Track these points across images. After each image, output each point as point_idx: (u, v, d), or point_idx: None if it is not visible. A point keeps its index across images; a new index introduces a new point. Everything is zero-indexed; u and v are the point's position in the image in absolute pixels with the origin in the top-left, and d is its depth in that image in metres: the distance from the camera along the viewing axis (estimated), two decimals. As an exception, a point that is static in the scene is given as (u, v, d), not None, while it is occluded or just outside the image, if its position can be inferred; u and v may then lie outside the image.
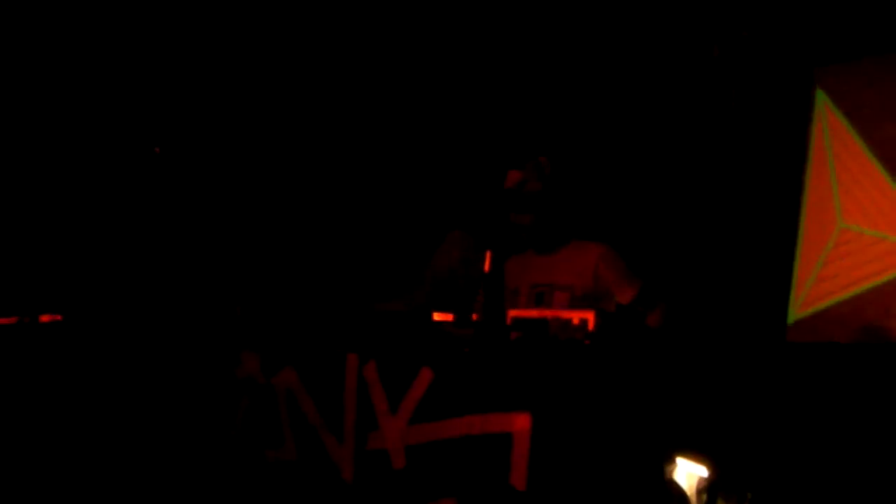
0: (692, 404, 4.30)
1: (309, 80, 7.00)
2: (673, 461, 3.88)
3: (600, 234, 5.03)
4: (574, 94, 7.01)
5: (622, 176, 6.71)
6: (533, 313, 3.99)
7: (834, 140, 6.63)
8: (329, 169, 6.94)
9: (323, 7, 6.93)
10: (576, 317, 3.89)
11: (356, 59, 7.06)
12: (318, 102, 7.01)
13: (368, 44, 7.04)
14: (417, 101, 7.11)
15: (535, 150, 5.02)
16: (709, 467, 3.95)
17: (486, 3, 6.95)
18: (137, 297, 5.90)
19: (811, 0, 6.51)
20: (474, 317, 4.05)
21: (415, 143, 6.98)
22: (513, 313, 4.00)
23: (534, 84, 7.06)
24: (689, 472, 3.93)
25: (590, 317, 3.87)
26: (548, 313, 3.94)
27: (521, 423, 3.70)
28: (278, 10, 6.87)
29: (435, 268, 5.23)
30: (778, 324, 6.49)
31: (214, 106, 6.71)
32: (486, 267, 4.07)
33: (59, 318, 5.00)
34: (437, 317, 4.19)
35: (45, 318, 5.01)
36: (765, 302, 6.49)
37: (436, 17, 6.97)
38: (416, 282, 5.26)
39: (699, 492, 3.94)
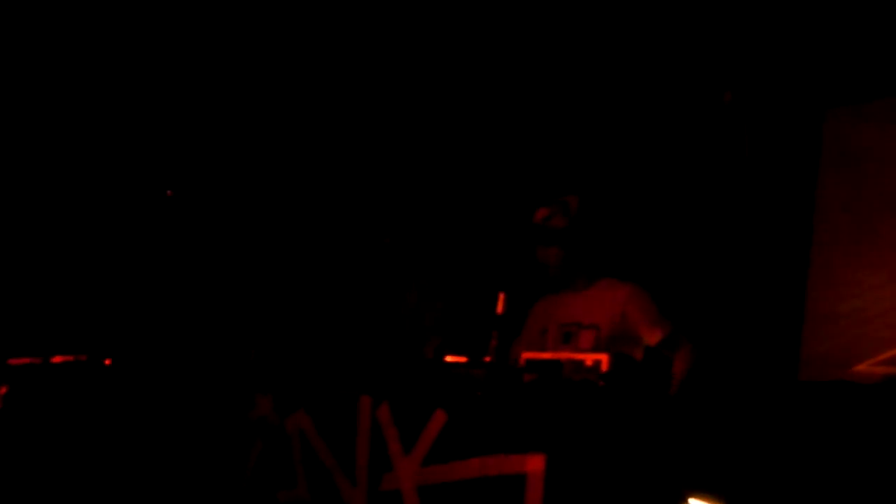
0: (705, 445, 4.31)
1: (323, 132, 7.02)
2: (685, 502, 3.88)
3: (629, 273, 5.03)
4: (600, 137, 7.05)
5: (642, 216, 6.73)
6: (547, 355, 4.01)
7: (844, 182, 6.65)
8: (347, 214, 6.96)
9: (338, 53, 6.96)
10: (589, 358, 3.90)
11: (380, 99, 7.09)
12: (334, 145, 7.02)
13: (391, 81, 7.07)
14: (443, 142, 7.13)
15: (561, 190, 5.06)
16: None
17: (521, 50, 6.98)
18: (153, 339, 5.91)
19: (821, 43, 6.53)
20: (487, 359, 4.05)
21: (437, 182, 6.99)
22: (526, 355, 4.01)
23: (559, 128, 7.10)
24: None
25: (603, 358, 3.88)
26: (562, 355, 3.95)
27: (534, 464, 3.70)
28: (282, 65, 6.89)
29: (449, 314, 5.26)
30: (790, 363, 6.48)
31: (227, 150, 6.73)
32: (500, 309, 4.08)
33: (71, 358, 5.01)
34: (449, 359, 4.20)
35: (57, 359, 5.02)
36: (777, 341, 6.48)
37: (469, 57, 7.01)
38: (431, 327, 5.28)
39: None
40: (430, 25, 6.90)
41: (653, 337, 4.69)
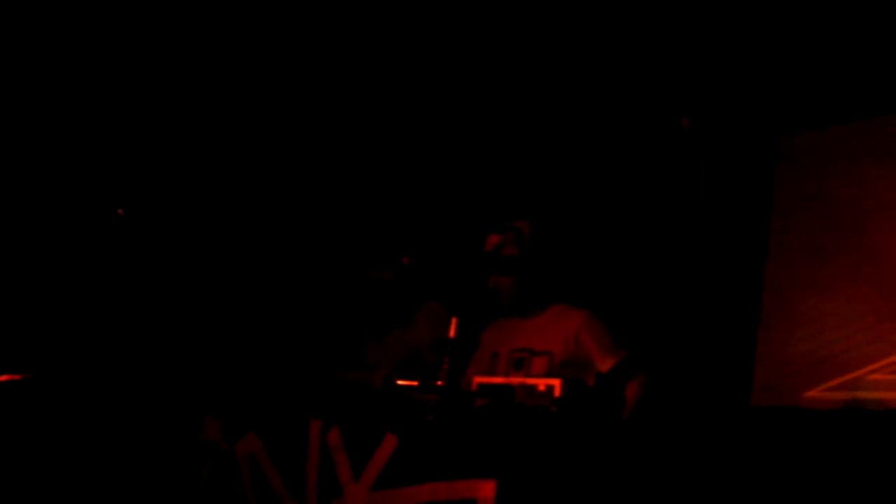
0: (657, 471, 4.30)
1: (266, 167, 6.98)
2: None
3: (582, 299, 5.01)
4: (555, 161, 7.06)
5: (596, 242, 6.74)
6: (499, 380, 3.99)
7: (799, 209, 6.70)
8: (296, 237, 6.92)
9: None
10: (542, 383, 3.88)
11: (326, 133, 7.07)
12: (280, 176, 6.98)
13: (345, 104, 7.04)
14: (394, 165, 7.11)
15: (514, 215, 5.04)
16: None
17: (475, 72, 6.98)
18: (101, 360, 5.85)
19: (777, 71, 6.58)
20: (439, 383, 4.02)
21: (388, 206, 6.97)
22: (478, 380, 3.99)
23: (512, 153, 7.11)
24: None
25: (556, 384, 3.87)
26: (514, 380, 3.94)
27: (486, 490, 3.67)
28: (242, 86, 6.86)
29: (405, 338, 5.23)
30: (742, 389, 6.50)
31: (170, 178, 6.68)
32: (452, 333, 4.05)
33: (17, 377, 4.94)
34: (401, 383, 4.17)
35: (2, 378, 4.95)
36: (729, 367, 6.50)
37: (425, 79, 7.00)
38: (384, 350, 5.25)
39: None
40: (383, 49, 6.89)
41: (606, 363, 4.67)
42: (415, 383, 4.10)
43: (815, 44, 6.38)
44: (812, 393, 6.30)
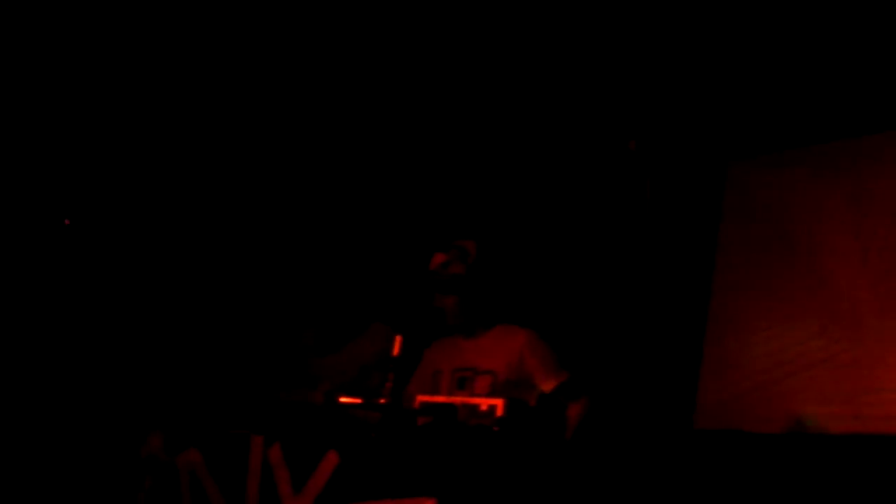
0: (599, 492, 4.31)
1: (215, 181, 6.94)
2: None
3: (526, 319, 5.01)
4: (499, 182, 7.06)
5: (542, 262, 6.75)
6: (441, 399, 3.98)
7: (744, 233, 6.74)
8: (239, 251, 6.88)
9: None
10: (484, 403, 3.88)
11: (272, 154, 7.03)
12: (225, 194, 6.93)
13: (286, 136, 7.01)
14: (341, 184, 7.09)
15: (460, 234, 5.03)
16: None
17: (422, 91, 6.98)
18: (44, 371, 5.80)
19: (726, 95, 6.63)
20: (382, 401, 4.01)
21: (334, 223, 6.94)
22: (421, 398, 3.99)
23: (459, 172, 7.11)
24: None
25: (498, 404, 3.87)
26: (457, 399, 3.93)
27: (427, 509, 3.67)
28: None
29: (351, 357, 5.22)
30: (686, 411, 6.53)
31: (122, 179, 6.63)
32: (396, 351, 4.04)
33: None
34: (344, 400, 4.16)
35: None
36: (674, 389, 6.53)
37: (371, 96, 6.99)
38: (330, 369, 5.24)
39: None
40: (329, 68, 6.87)
41: (549, 384, 4.67)
42: (358, 401, 4.09)
43: (764, 71, 6.44)
44: (756, 416, 6.34)
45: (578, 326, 6.33)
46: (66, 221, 5.58)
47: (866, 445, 5.80)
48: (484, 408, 3.87)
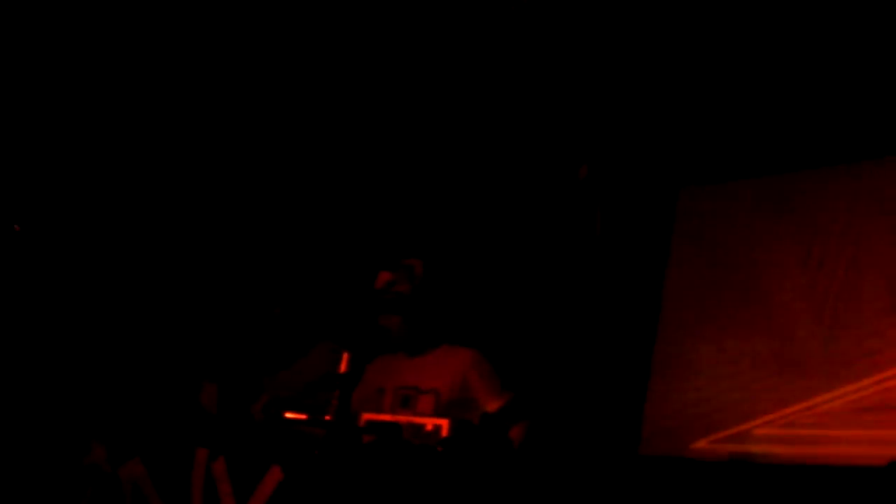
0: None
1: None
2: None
3: (474, 340, 5.01)
4: (448, 203, 7.07)
5: (489, 284, 6.76)
6: (387, 417, 3.99)
7: (693, 261, 6.79)
8: (183, 262, 6.83)
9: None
10: (429, 423, 3.90)
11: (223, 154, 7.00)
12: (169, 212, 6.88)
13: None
14: (294, 200, 7.07)
15: (407, 253, 5.03)
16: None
17: (374, 109, 6.99)
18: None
19: (677, 124, 6.69)
20: (327, 417, 4.02)
21: (283, 240, 6.93)
22: (367, 416, 3.99)
23: (408, 192, 7.11)
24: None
25: (443, 424, 3.88)
26: (402, 418, 3.94)
27: (369, 527, 3.68)
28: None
29: (299, 375, 5.20)
30: (632, 436, 6.55)
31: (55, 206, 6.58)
32: (343, 368, 4.05)
33: None
34: (289, 415, 4.16)
35: None
36: (620, 415, 6.55)
37: (321, 115, 6.98)
38: (278, 387, 5.21)
39: None
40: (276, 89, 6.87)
41: (492, 404, 4.68)
42: (303, 417, 4.09)
43: (715, 99, 6.50)
44: (700, 444, 6.38)
45: (525, 349, 6.34)
46: (17, 228, 5.54)
47: (809, 475, 5.85)
48: (429, 427, 3.89)
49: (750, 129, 6.51)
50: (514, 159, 6.99)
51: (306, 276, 5.80)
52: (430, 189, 7.11)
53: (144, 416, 4.53)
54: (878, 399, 5.90)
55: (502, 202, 6.99)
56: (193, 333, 6.31)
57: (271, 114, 6.90)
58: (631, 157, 6.70)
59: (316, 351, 5.25)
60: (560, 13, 6.25)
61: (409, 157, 7.10)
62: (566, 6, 6.19)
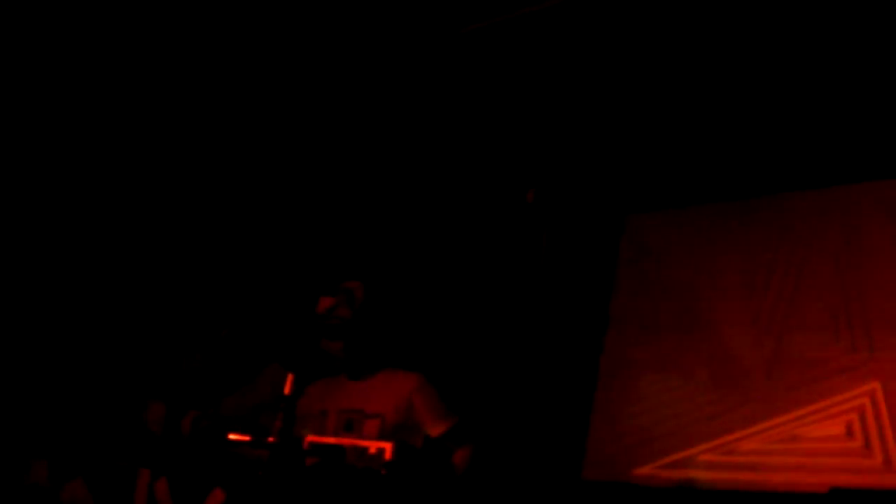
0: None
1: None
2: None
3: (417, 364, 5.01)
4: (394, 226, 7.08)
5: (434, 307, 6.77)
6: (330, 440, 3.99)
7: (638, 287, 6.84)
8: (129, 275, 6.79)
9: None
10: (373, 446, 3.89)
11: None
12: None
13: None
14: (232, 223, 7.04)
15: (349, 276, 5.02)
16: None
17: (314, 139, 6.99)
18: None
19: (625, 152, 6.74)
20: (270, 439, 4.00)
21: (231, 262, 6.90)
22: (310, 438, 3.98)
23: (352, 214, 7.10)
24: None
25: (387, 447, 3.88)
26: (345, 441, 3.94)
27: (311, 549, 3.68)
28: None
29: (246, 398, 5.18)
30: (575, 461, 6.57)
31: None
32: (287, 390, 4.04)
33: None
34: (232, 437, 4.14)
35: None
36: (564, 439, 6.58)
37: (268, 140, 6.97)
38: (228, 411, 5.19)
39: None
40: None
41: (437, 429, 4.68)
42: (246, 438, 4.08)
43: (663, 127, 6.56)
44: (644, 469, 6.41)
45: (470, 373, 6.35)
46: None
47: (751, 501, 5.90)
48: (373, 450, 3.88)
49: (697, 156, 6.57)
50: (460, 182, 7.02)
51: (253, 298, 5.78)
52: (374, 212, 7.11)
53: (87, 435, 4.51)
54: (820, 427, 5.96)
55: (448, 224, 7.01)
56: (137, 353, 6.27)
57: (214, 144, 6.88)
58: (578, 183, 6.74)
59: (264, 373, 5.23)
60: (509, 40, 6.30)
61: (353, 181, 7.11)
62: (515, 34, 6.24)
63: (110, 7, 6.23)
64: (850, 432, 5.85)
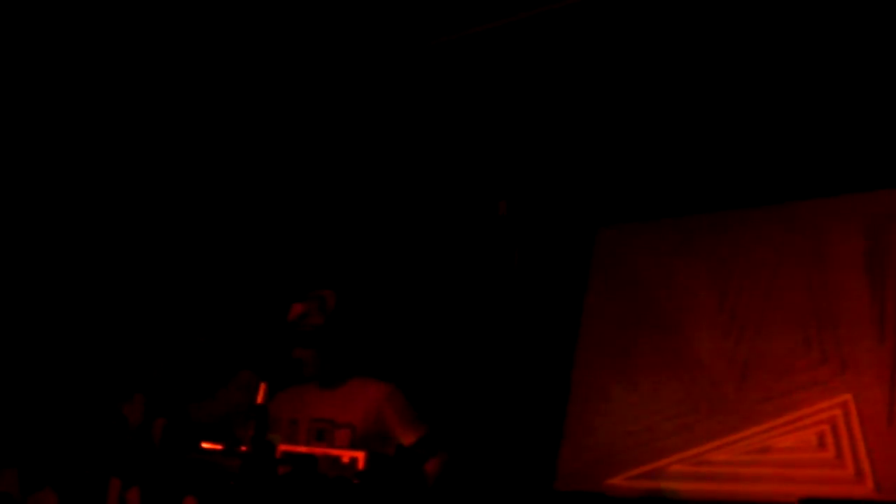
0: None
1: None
2: None
3: (387, 373, 5.00)
4: (367, 234, 7.07)
5: (406, 317, 6.77)
6: (303, 449, 3.98)
7: (610, 300, 6.86)
8: (99, 281, 6.75)
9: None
10: (346, 455, 3.89)
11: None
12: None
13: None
14: (203, 230, 7.01)
15: (321, 284, 5.01)
16: None
17: (283, 142, 6.98)
18: None
19: (598, 162, 6.76)
20: (243, 448, 3.99)
21: (202, 268, 6.87)
22: (283, 448, 3.97)
23: (324, 223, 7.09)
24: None
25: (360, 456, 3.88)
26: (318, 450, 3.93)
27: (282, 559, 3.66)
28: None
29: (218, 406, 5.15)
30: (547, 472, 6.58)
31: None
32: (260, 399, 4.03)
33: None
34: (205, 445, 4.12)
35: None
36: (536, 450, 6.58)
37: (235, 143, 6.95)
38: (204, 416, 5.16)
39: None
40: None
41: (408, 438, 4.68)
42: (219, 447, 4.06)
43: (634, 139, 6.58)
44: (616, 480, 6.42)
45: (442, 383, 6.35)
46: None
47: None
48: (345, 460, 3.88)
49: (667, 169, 6.60)
50: (432, 192, 7.02)
51: (228, 306, 5.76)
52: (348, 220, 7.11)
53: (57, 443, 4.47)
54: (791, 438, 5.99)
55: (421, 234, 7.01)
56: (109, 361, 6.24)
57: (182, 146, 6.86)
58: (550, 195, 6.76)
59: (236, 380, 5.21)
60: (480, 52, 6.31)
61: (326, 189, 7.10)
62: (486, 46, 6.26)
63: (98, 5, 6.23)
64: (821, 443, 5.88)
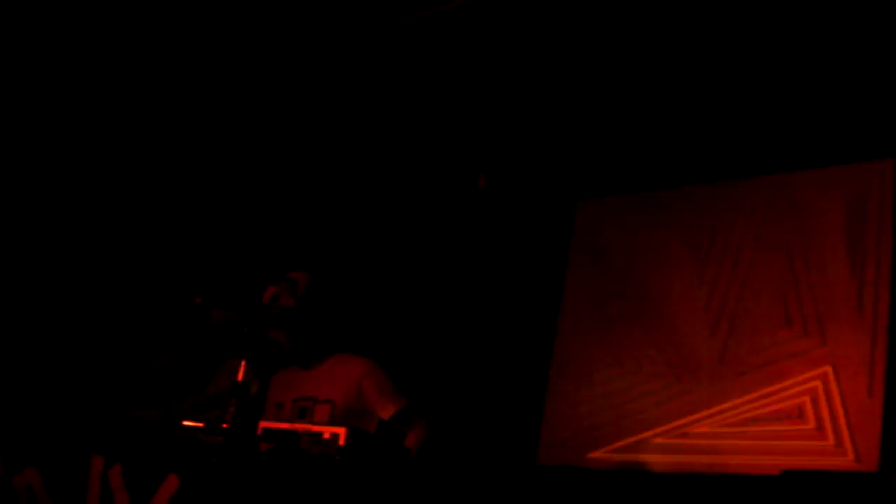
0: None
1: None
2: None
3: (370, 349, 5.02)
4: (344, 212, 7.08)
5: (386, 293, 6.78)
6: (284, 426, 3.99)
7: (590, 273, 6.88)
8: (79, 263, 6.75)
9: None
10: (327, 431, 3.91)
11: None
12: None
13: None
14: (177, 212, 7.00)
15: (296, 265, 5.02)
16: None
17: (256, 123, 6.97)
18: None
19: (577, 136, 6.76)
20: (225, 426, 4.00)
21: (179, 252, 6.86)
22: (264, 424, 3.98)
23: (299, 201, 7.09)
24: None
25: (341, 432, 3.89)
26: (299, 427, 3.95)
27: (266, 536, 3.68)
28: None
29: (209, 397, 5.16)
30: (530, 446, 6.61)
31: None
32: (240, 376, 4.04)
33: None
34: (186, 423, 4.14)
35: None
36: (519, 424, 6.60)
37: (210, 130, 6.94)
38: (183, 396, 5.16)
39: None
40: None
41: (387, 411, 4.72)
42: (201, 424, 4.08)
43: (614, 113, 6.60)
44: (597, 453, 6.46)
45: (423, 358, 6.37)
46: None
47: (704, 484, 5.95)
48: (327, 436, 3.89)
49: (647, 143, 6.62)
50: (411, 168, 7.02)
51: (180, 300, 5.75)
52: (325, 197, 7.11)
53: (39, 423, 4.48)
54: (772, 410, 6.02)
55: (399, 210, 7.02)
56: (87, 341, 6.24)
57: (160, 127, 6.84)
58: (530, 169, 6.76)
59: (224, 368, 5.22)
60: (456, 28, 6.31)
61: (299, 168, 7.10)
62: (461, 22, 6.25)
63: (94, 6, 6.23)
64: (802, 415, 5.92)
